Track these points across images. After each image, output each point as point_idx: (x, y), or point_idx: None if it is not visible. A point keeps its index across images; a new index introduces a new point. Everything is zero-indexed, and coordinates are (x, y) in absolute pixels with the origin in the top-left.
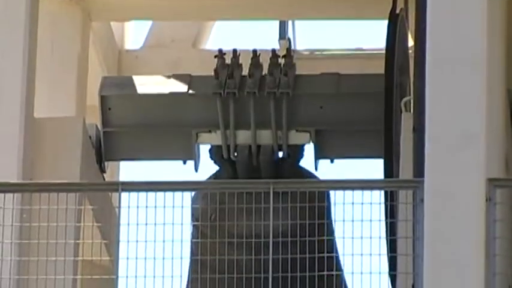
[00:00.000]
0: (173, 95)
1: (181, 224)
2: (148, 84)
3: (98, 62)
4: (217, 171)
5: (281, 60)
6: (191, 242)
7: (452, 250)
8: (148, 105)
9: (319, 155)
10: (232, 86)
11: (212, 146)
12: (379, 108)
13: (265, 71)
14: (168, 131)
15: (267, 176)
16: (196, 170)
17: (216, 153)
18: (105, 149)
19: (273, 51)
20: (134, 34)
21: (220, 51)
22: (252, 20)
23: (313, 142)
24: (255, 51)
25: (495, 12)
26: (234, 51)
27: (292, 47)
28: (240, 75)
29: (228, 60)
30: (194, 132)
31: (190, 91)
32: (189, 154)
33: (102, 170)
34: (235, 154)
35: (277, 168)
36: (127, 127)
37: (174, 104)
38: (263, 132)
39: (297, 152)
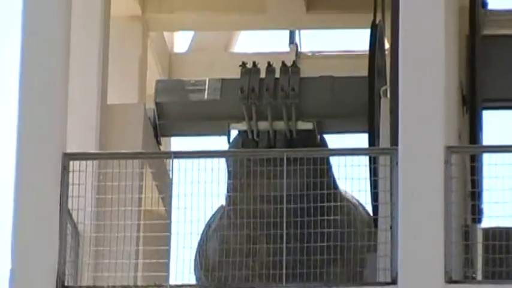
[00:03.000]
0: (210, 101)
1: (218, 182)
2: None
3: (154, 62)
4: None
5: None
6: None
7: (419, 200)
8: (194, 108)
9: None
10: (254, 97)
11: (240, 131)
12: (365, 98)
13: (277, 73)
14: (207, 124)
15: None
16: (229, 142)
17: (243, 136)
18: (160, 128)
19: (283, 62)
20: (181, 41)
21: (243, 63)
22: (269, 29)
23: (315, 129)
24: (269, 62)
25: (450, 23)
26: (254, 63)
27: (299, 49)
28: (259, 81)
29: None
30: (226, 123)
31: (223, 98)
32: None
33: (158, 143)
34: (259, 137)
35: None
36: (178, 120)
37: (212, 106)
38: (278, 123)
39: (305, 134)
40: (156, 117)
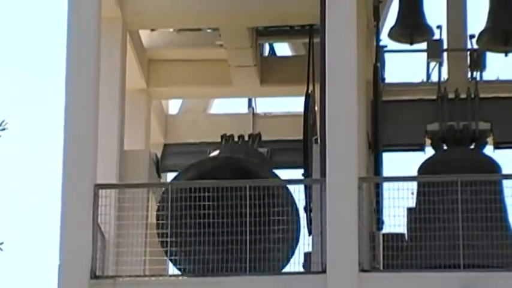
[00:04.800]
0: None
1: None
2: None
3: (155, 121)
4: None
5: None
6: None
7: (340, 213)
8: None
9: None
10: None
11: None
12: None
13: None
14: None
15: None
16: None
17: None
18: (161, 167)
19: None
20: (174, 105)
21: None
22: (234, 97)
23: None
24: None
25: (360, 92)
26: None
27: (255, 111)
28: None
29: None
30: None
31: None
32: None
33: (159, 176)
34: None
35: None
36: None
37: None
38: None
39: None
40: (159, 160)
